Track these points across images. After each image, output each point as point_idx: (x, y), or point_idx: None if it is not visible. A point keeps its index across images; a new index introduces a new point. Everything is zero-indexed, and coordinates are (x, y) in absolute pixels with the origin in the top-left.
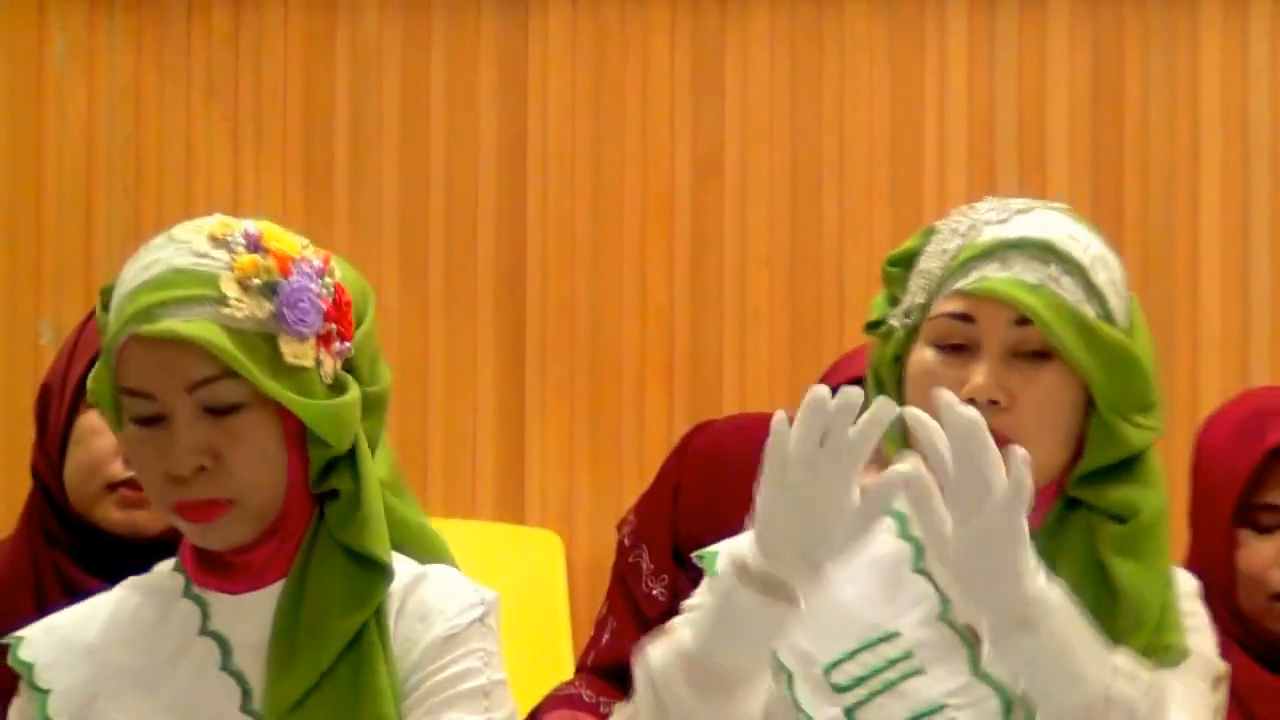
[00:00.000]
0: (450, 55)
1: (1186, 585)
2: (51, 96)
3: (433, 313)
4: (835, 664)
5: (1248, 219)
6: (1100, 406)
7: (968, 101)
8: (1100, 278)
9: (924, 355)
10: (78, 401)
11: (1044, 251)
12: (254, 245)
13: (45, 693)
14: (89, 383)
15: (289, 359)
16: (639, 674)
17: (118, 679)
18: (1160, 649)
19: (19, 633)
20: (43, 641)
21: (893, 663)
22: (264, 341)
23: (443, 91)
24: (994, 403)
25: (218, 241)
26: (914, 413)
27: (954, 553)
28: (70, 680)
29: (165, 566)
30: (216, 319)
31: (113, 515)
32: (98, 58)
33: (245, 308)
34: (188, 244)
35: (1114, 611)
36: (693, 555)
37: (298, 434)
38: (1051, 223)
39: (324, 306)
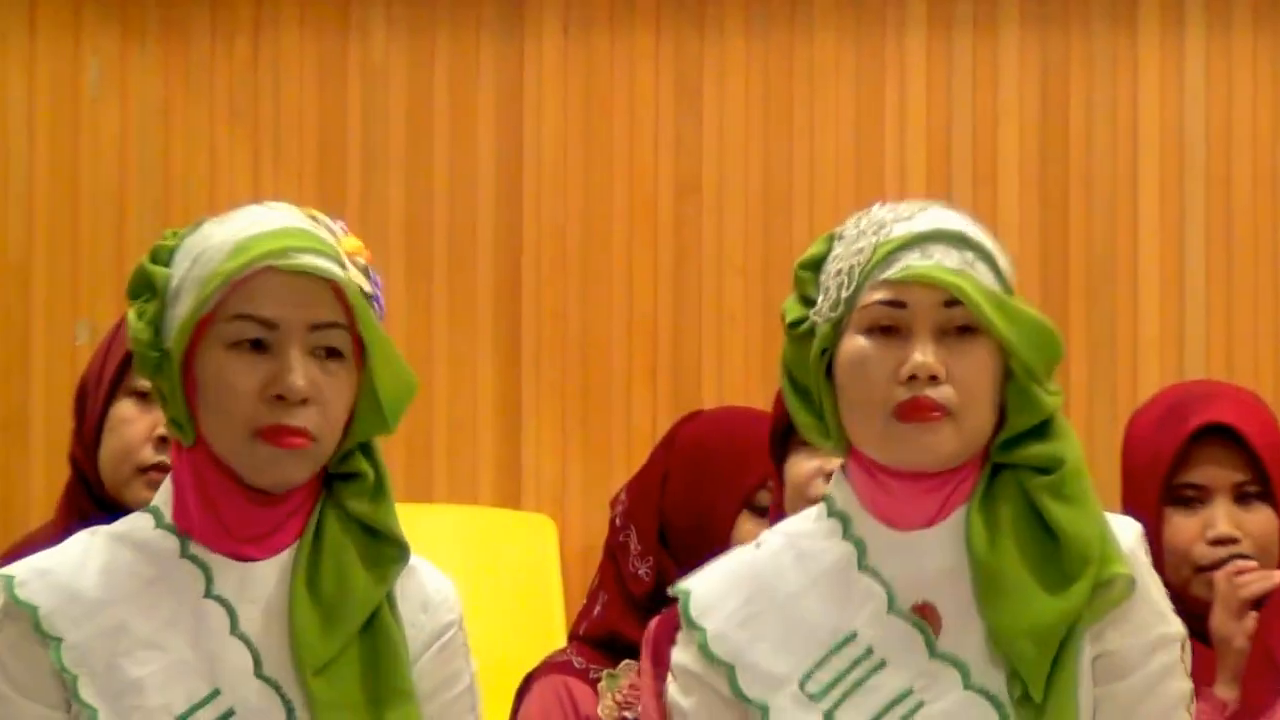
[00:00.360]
0: (452, 78)
1: (1131, 532)
2: (87, 118)
3: (436, 316)
4: (808, 675)
5: (1183, 230)
6: (1019, 375)
7: (926, 122)
8: (1002, 263)
9: (857, 343)
10: (111, 394)
11: (958, 240)
12: (343, 233)
13: (56, 640)
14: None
15: None
16: None
17: (128, 637)
18: (1107, 583)
19: (6, 570)
20: (39, 585)
21: (857, 662)
22: None
23: (445, 111)
24: (933, 378)
25: (317, 221)
26: None
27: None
28: (81, 635)
29: (141, 523)
30: (340, 277)
31: (143, 496)
32: (129, 82)
33: (357, 278)
34: (291, 214)
35: (1058, 555)
36: (669, 590)
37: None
38: (954, 217)
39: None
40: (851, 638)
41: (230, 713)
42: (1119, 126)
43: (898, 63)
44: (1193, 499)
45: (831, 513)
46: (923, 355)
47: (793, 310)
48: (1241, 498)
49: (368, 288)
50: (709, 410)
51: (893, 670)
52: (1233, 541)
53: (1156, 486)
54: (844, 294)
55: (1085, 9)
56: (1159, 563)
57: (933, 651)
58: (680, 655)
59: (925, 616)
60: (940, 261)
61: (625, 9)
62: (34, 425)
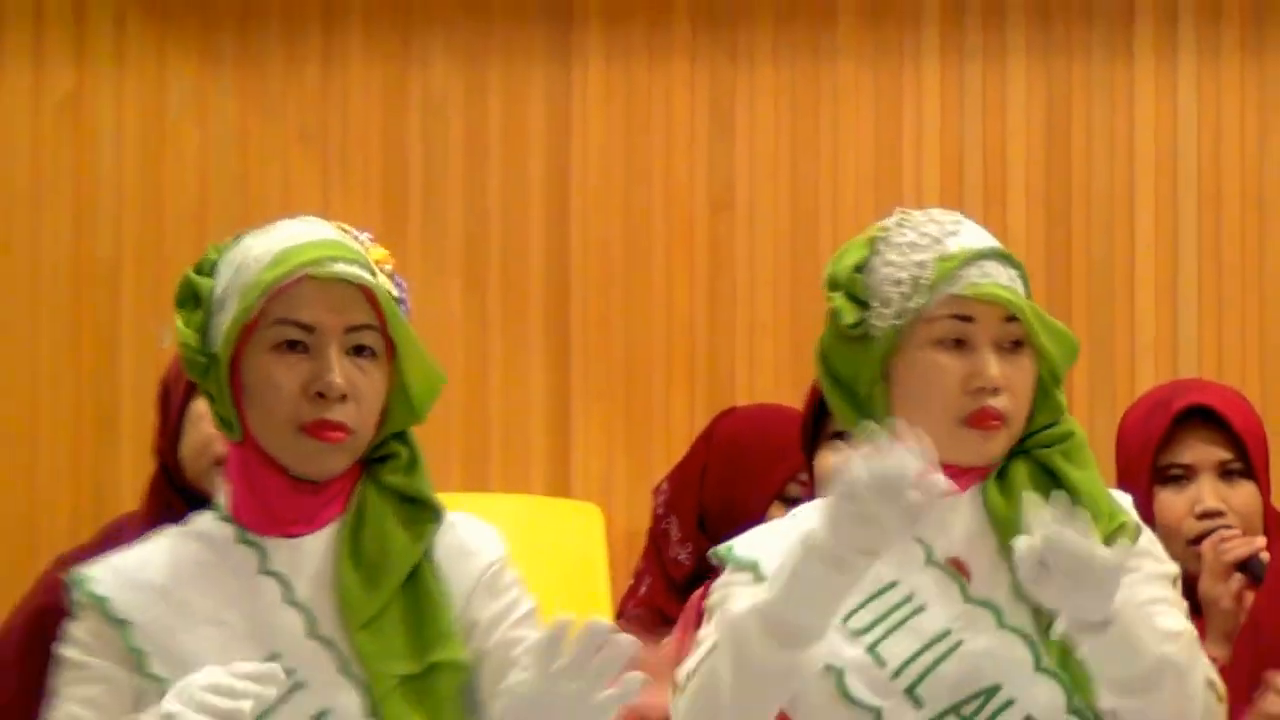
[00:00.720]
0: (505, 104)
1: (1125, 498)
2: (170, 140)
3: (491, 322)
4: (851, 613)
5: (1176, 242)
6: (1046, 380)
7: (940, 143)
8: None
9: (929, 354)
10: (189, 393)
11: (1004, 259)
12: (370, 244)
13: (124, 623)
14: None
15: None
16: (716, 627)
17: (191, 615)
18: (1118, 531)
19: (83, 570)
20: (110, 579)
21: (898, 606)
22: None
23: (498, 134)
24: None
25: (345, 232)
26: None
27: (1055, 594)
28: (148, 616)
29: (204, 519)
30: (371, 282)
31: (220, 483)
32: (208, 107)
33: (385, 283)
34: (323, 226)
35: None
36: (709, 553)
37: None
38: (987, 234)
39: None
40: (892, 585)
41: (289, 672)
42: (1117, 147)
43: (914, 88)
44: (1180, 477)
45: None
46: (994, 369)
47: (849, 313)
48: (1225, 474)
49: (396, 292)
50: (744, 407)
51: (932, 613)
52: (1219, 515)
53: (1147, 468)
54: (909, 304)
55: (1086, 39)
56: None
57: (966, 597)
58: (720, 581)
59: (958, 568)
60: (996, 279)
61: (663, 39)
62: (123, 422)
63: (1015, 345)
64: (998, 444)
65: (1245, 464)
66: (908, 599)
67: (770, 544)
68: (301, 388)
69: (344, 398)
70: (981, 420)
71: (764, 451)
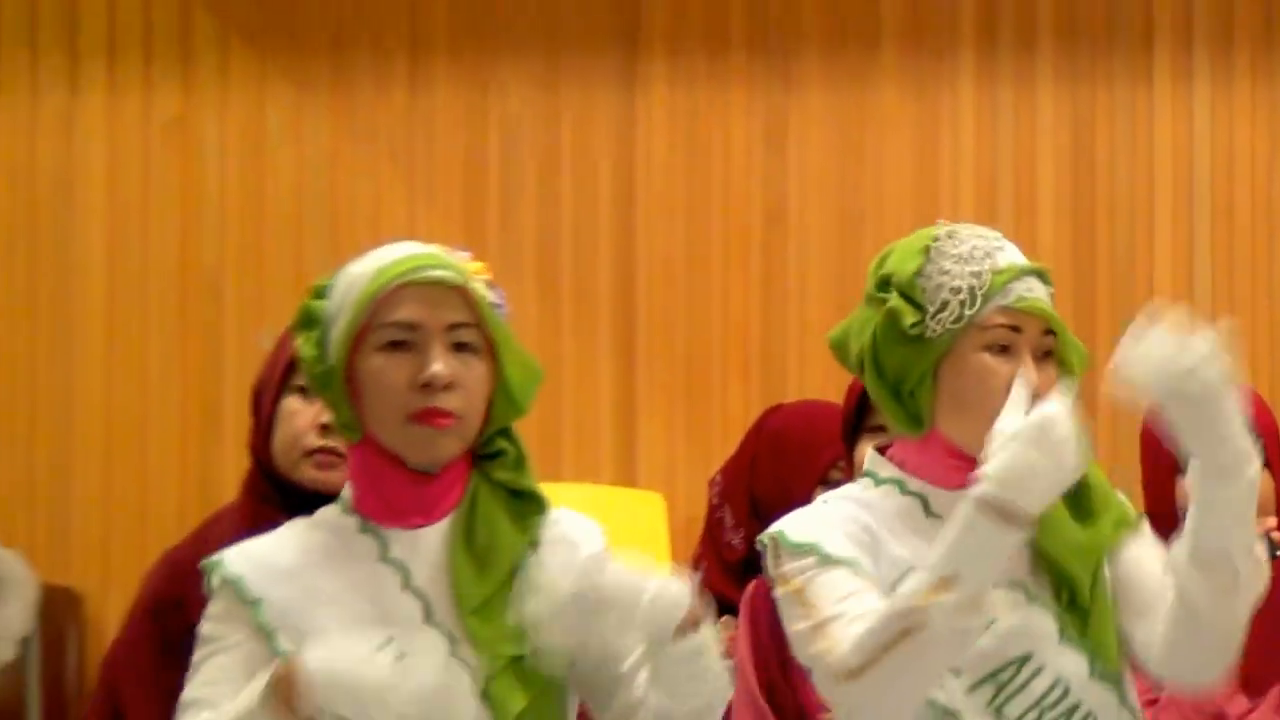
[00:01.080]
0: (575, 125)
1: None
2: (268, 159)
3: (563, 324)
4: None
5: (1192, 254)
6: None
7: (975, 162)
8: None
9: (982, 359)
10: (280, 392)
11: (1043, 276)
12: (467, 260)
13: (255, 602)
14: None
15: None
16: (890, 607)
17: (316, 597)
18: (1125, 520)
19: (218, 555)
20: (243, 563)
21: None
22: None
23: (569, 153)
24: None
25: (443, 250)
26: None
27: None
28: (277, 595)
29: (330, 511)
30: (465, 283)
31: (309, 474)
32: (302, 130)
33: (483, 291)
34: (420, 244)
35: (1081, 497)
36: (756, 541)
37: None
38: (1021, 252)
39: None
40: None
41: (404, 654)
42: (1137, 165)
43: (951, 111)
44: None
45: (880, 482)
46: (1039, 376)
47: (909, 314)
48: None
49: (494, 298)
50: (789, 403)
51: None
52: None
53: (1170, 456)
54: (966, 310)
55: (1109, 66)
56: (1172, 524)
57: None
58: (791, 569)
59: None
60: (1038, 295)
61: (721, 67)
62: (226, 418)
63: (1045, 355)
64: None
65: (1261, 457)
66: None
67: (818, 526)
68: (409, 381)
69: (449, 387)
70: None
71: (807, 443)
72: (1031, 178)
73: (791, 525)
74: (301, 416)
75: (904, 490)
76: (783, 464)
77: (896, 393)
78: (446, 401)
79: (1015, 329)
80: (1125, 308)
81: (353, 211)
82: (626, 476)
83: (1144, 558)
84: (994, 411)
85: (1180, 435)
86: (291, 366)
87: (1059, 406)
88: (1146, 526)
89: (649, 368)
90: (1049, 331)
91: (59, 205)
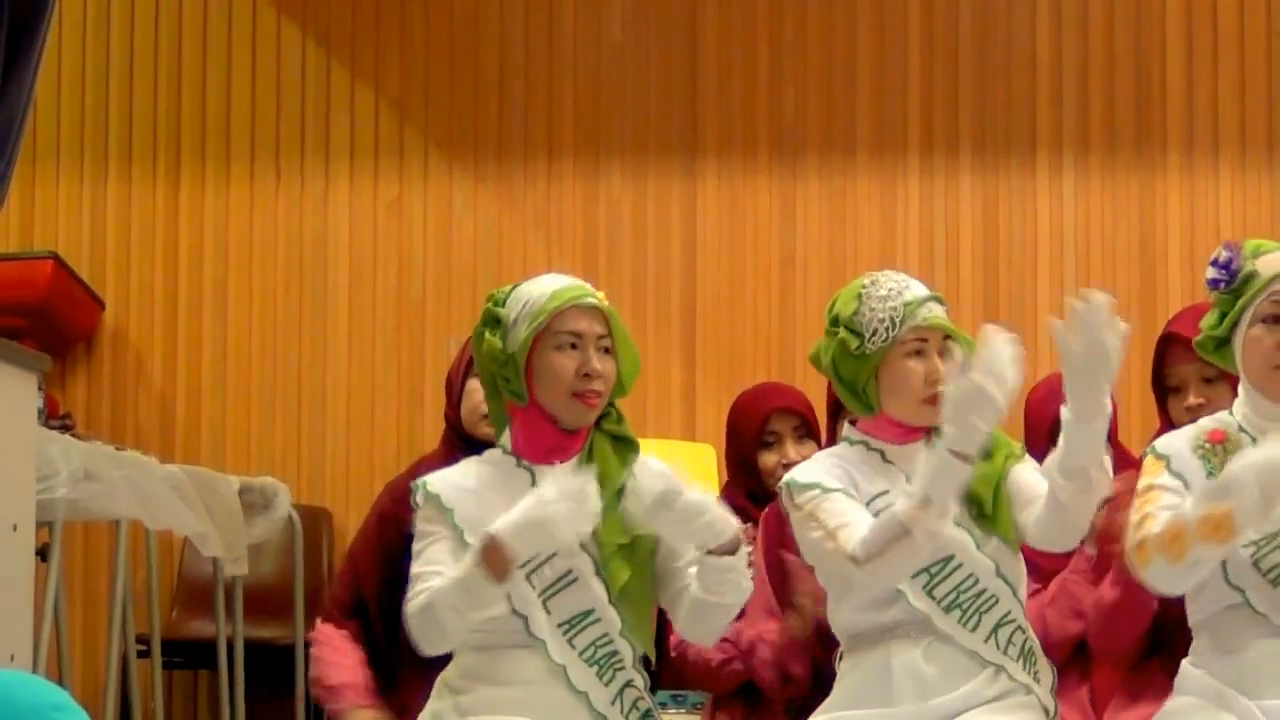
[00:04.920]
0: (657, 204)
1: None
2: (455, 230)
3: (649, 335)
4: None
5: (1063, 290)
6: None
7: (919, 229)
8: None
9: (905, 363)
10: (465, 378)
11: (939, 301)
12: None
13: (449, 509)
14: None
15: None
16: (887, 517)
17: (489, 507)
18: (1013, 453)
19: (423, 478)
20: (440, 484)
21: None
22: None
23: (653, 223)
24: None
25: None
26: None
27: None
28: (463, 506)
29: (494, 452)
30: (606, 307)
31: (485, 431)
32: (478, 209)
33: (613, 311)
34: (571, 278)
35: (987, 444)
36: (779, 484)
37: None
38: (923, 284)
39: None
40: (884, 492)
41: (557, 499)
42: (1026, 230)
43: (903, 195)
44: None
45: (853, 443)
46: (940, 369)
47: (853, 341)
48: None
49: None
50: (747, 389)
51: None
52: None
53: (1047, 421)
54: (891, 333)
55: (1008, 164)
56: (1045, 450)
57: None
58: (802, 499)
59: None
60: (938, 314)
61: (752, 165)
62: (427, 397)
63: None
64: (940, 413)
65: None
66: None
67: (817, 471)
68: (575, 371)
69: (598, 377)
70: (935, 400)
71: (749, 411)
72: (956, 239)
73: (798, 472)
74: (478, 394)
75: (869, 448)
76: (737, 427)
77: (853, 390)
78: (596, 386)
79: (924, 340)
80: (1018, 330)
81: (510, 266)
82: (689, 434)
83: (1026, 474)
84: (917, 395)
85: (1068, 387)
86: (470, 361)
87: (999, 345)
88: (1028, 456)
89: (704, 363)
90: (948, 336)
91: (318, 258)
